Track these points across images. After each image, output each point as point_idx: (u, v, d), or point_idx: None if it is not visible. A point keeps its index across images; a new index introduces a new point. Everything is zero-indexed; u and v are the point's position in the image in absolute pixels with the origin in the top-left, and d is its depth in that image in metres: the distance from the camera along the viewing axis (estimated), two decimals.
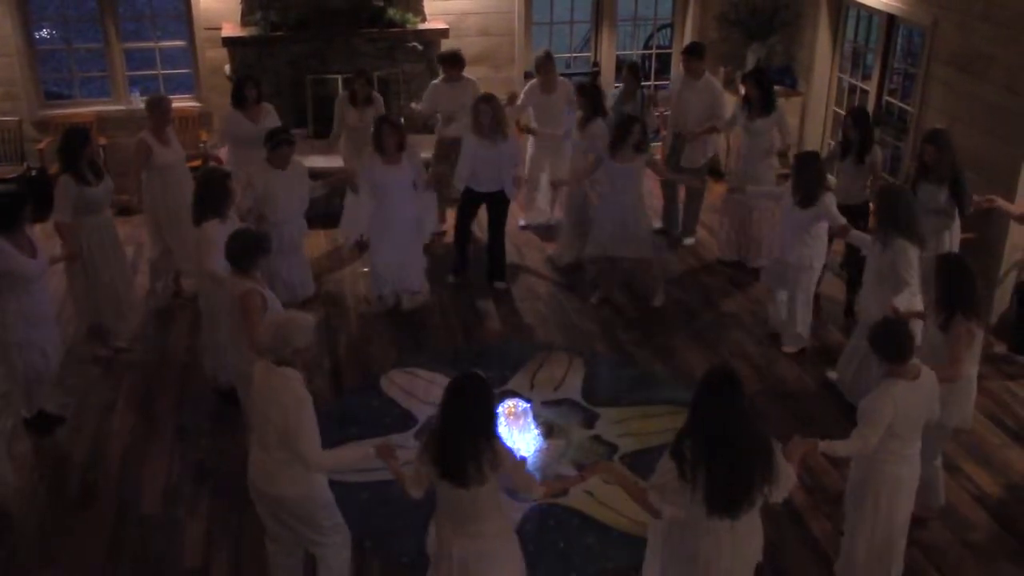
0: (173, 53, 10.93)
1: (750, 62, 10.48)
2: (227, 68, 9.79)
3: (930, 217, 6.65)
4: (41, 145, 9.79)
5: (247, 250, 5.38)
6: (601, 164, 7.71)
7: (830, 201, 6.81)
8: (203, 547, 5.40)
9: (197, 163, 8.97)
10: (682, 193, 9.19)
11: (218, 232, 5.89)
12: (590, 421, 6.49)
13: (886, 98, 9.44)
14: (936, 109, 8.37)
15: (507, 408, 6.50)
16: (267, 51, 9.55)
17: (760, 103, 8.17)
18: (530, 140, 9.26)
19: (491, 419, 4.06)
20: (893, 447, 4.58)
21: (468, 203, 8.11)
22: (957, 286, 5.03)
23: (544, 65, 8.93)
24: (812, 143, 10.20)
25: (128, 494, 5.84)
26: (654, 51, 11.62)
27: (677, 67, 9.22)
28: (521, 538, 5.41)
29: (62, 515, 5.68)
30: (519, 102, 9.10)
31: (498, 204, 8.07)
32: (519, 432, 6.33)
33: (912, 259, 5.91)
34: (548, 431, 6.39)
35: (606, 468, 4.61)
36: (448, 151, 8.62)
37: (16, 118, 9.84)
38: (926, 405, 4.62)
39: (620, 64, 10.72)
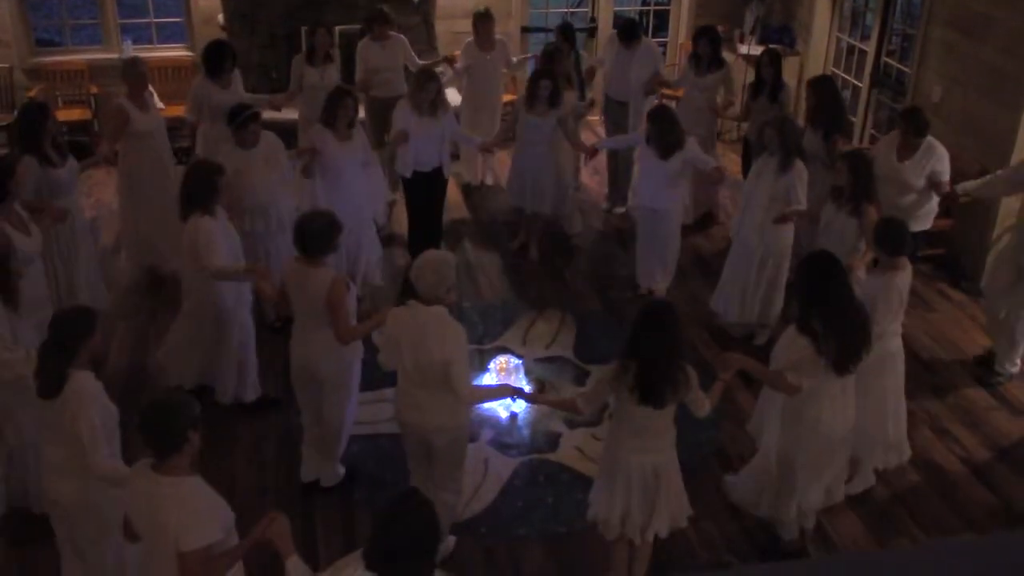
0: (165, 1, 10.79)
1: (748, 21, 10.40)
2: (220, 17, 9.68)
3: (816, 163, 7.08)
4: (32, 93, 9.68)
5: (324, 234, 5.00)
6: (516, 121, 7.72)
7: (693, 145, 7.06)
8: None
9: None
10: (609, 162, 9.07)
11: (210, 226, 5.51)
12: (581, 378, 6.50)
13: (884, 59, 9.38)
14: (934, 71, 8.32)
15: (499, 364, 6.52)
16: (260, 1, 9.42)
17: (710, 59, 8.26)
18: (463, 102, 9.08)
19: (683, 343, 4.46)
20: (894, 327, 5.33)
21: (416, 185, 7.53)
22: (864, 180, 5.91)
23: (482, 22, 8.77)
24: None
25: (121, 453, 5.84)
26: (652, 7, 11.50)
27: (610, 38, 8.89)
28: (511, 493, 5.53)
29: None
30: (458, 64, 8.86)
31: (439, 181, 7.60)
32: None
33: (805, 178, 6.52)
34: (540, 388, 6.42)
35: (739, 360, 4.73)
36: (381, 112, 8.28)
37: (7, 65, 9.72)
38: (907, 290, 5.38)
39: (617, 19, 10.62)
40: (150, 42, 10.41)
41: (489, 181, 9.43)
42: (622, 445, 4.48)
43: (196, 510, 3.57)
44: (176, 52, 10.23)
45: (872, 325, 4.87)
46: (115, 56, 10.01)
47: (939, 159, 6.63)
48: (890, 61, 9.33)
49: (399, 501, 3.23)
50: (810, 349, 4.57)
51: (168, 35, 10.65)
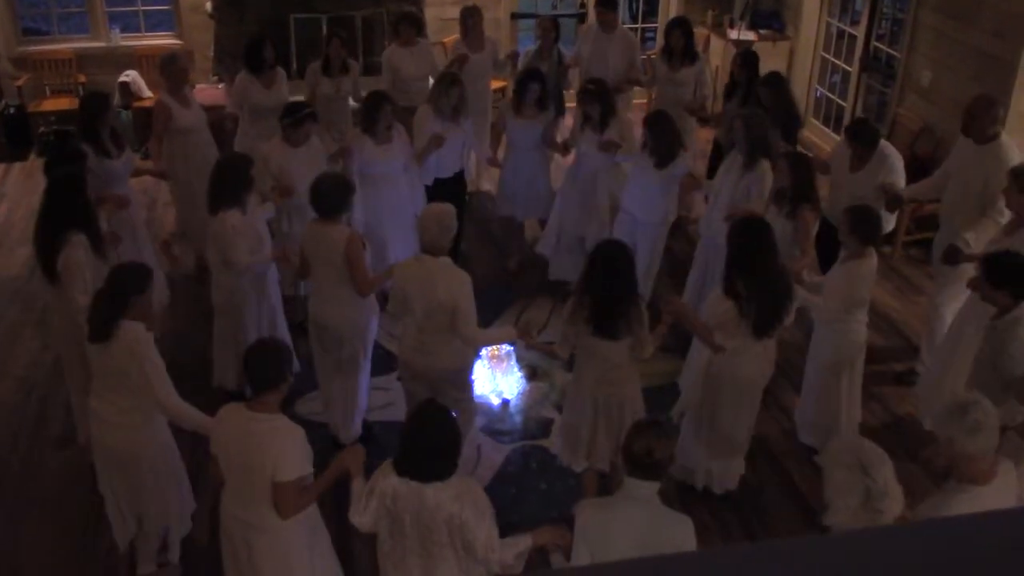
0: None
1: (737, 5, 10.39)
2: (208, 5, 9.63)
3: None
4: (19, 82, 9.64)
5: (336, 192, 5.20)
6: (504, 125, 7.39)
7: (684, 160, 6.60)
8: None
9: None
10: None
11: (237, 221, 5.45)
12: (572, 364, 6.51)
13: (874, 44, 9.39)
14: (924, 55, 8.33)
15: (490, 351, 6.53)
16: None
17: (683, 53, 7.88)
18: None
19: (635, 280, 4.74)
20: (860, 316, 5.37)
21: (437, 194, 6.84)
22: (804, 182, 5.78)
23: (471, 18, 8.17)
24: (800, 89, 10.16)
25: None
26: None
27: (587, 27, 8.59)
28: (503, 480, 5.55)
29: (45, 454, 5.72)
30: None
31: (459, 186, 7.28)
32: (502, 375, 6.37)
33: (768, 181, 6.19)
34: (531, 374, 6.43)
35: (682, 306, 5.14)
36: (404, 122, 7.70)
37: None
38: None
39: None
40: (138, 30, 10.36)
41: (485, 187, 9.04)
42: (586, 379, 4.82)
43: (290, 444, 3.85)
44: (164, 40, 10.18)
45: (834, 312, 5.20)
46: (103, 45, 9.98)
47: (891, 168, 6.28)
48: (880, 46, 9.34)
49: (419, 411, 3.73)
50: (733, 311, 4.80)
51: (156, 23, 10.60)
